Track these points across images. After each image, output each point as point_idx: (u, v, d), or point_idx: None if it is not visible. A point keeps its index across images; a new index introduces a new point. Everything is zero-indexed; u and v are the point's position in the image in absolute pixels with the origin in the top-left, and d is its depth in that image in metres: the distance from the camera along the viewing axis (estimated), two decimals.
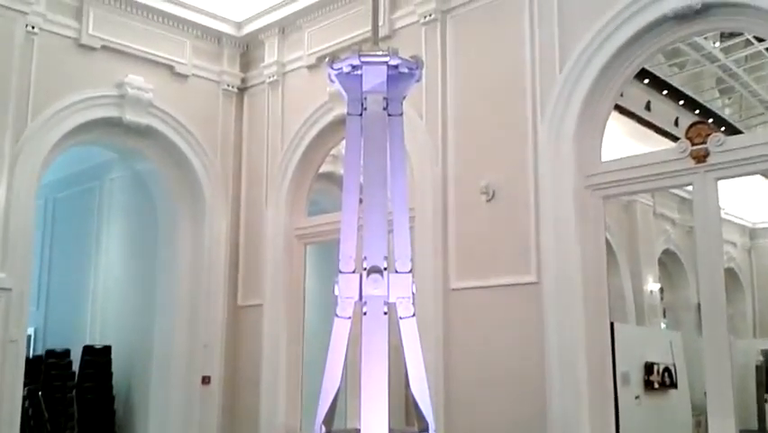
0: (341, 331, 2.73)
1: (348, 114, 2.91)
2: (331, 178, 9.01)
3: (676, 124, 9.98)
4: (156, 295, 8.62)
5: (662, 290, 13.15)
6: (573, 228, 5.66)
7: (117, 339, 9.05)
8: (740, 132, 10.32)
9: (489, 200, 6.17)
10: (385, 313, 2.68)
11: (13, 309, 6.59)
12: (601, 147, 5.84)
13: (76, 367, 9.12)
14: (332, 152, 8.17)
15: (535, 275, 5.79)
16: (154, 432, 8.28)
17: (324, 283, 8.40)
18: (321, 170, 8.30)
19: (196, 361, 8.07)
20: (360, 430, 2.60)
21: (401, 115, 2.94)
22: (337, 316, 2.76)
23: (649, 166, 5.56)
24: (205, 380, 8.02)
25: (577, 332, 5.56)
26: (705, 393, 5.51)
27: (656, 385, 9.72)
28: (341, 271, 2.77)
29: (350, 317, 2.75)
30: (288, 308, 7.86)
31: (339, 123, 7.44)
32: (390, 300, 2.71)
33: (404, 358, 2.72)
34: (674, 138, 9.09)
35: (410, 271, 2.78)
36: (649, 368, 9.81)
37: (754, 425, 14.01)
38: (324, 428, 2.63)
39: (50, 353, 9.27)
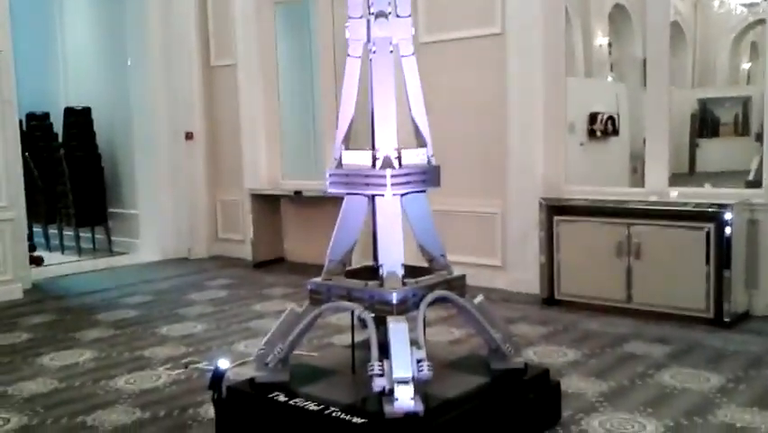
0: (353, 68, 3.25)
1: None
2: None
3: None
4: (127, 55, 8.76)
5: (610, 44, 13.65)
6: None
7: (94, 101, 9.25)
8: None
9: None
10: (391, 51, 3.18)
11: (3, 72, 6.83)
12: None
13: (56, 129, 9.47)
14: None
15: (500, 26, 6.25)
16: (143, 186, 8.80)
17: (296, 46, 8.71)
18: None
19: (176, 118, 8.53)
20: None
21: None
22: (349, 56, 3.27)
23: None
24: (189, 135, 8.55)
25: (535, 81, 6.13)
26: (644, 141, 6.25)
27: (599, 134, 10.56)
28: (351, 17, 3.23)
29: (359, 57, 3.25)
30: (261, 67, 8.19)
31: None
32: (393, 42, 3.20)
33: (405, 90, 3.27)
34: None
35: (410, 15, 3.26)
36: (593, 117, 10.58)
37: (686, 169, 15.37)
38: (343, 147, 3.23)
39: (31, 116, 9.51)
